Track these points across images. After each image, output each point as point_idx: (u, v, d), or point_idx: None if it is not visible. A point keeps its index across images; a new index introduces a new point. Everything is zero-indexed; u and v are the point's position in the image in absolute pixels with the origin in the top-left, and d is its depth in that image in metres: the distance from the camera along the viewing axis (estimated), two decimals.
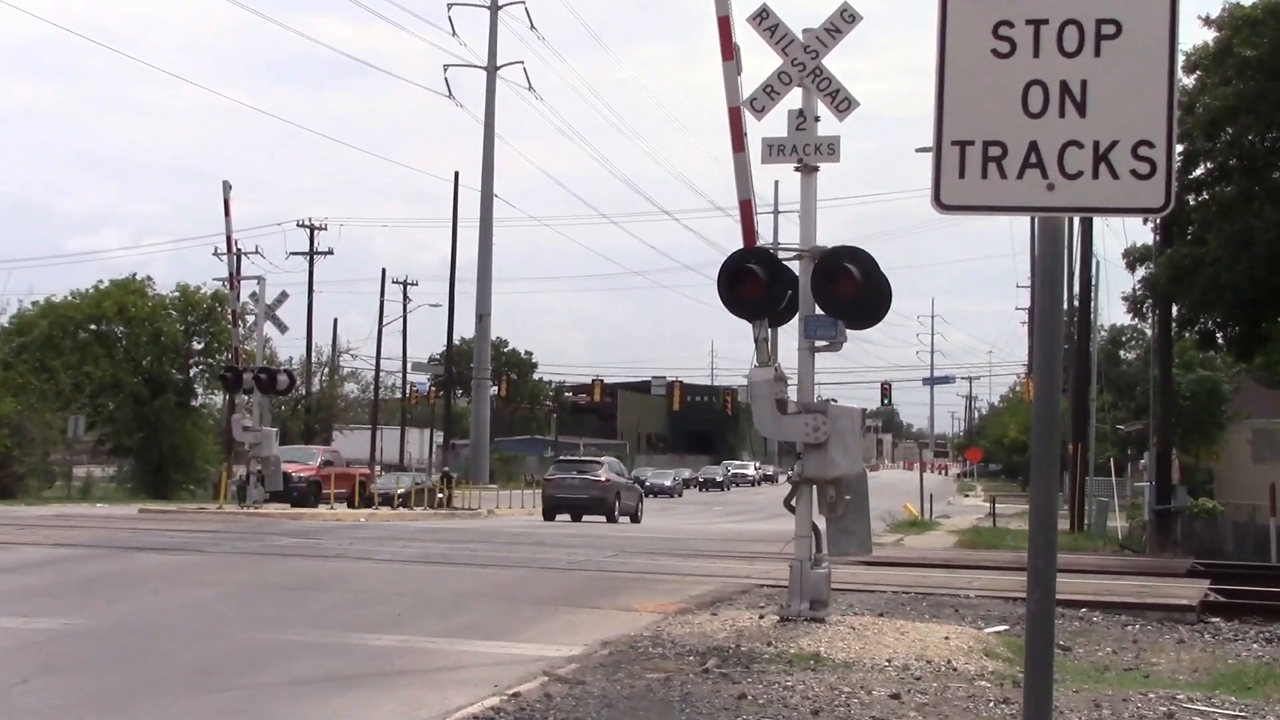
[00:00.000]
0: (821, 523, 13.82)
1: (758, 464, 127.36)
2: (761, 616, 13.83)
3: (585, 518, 44.87)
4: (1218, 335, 28.13)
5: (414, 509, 44.44)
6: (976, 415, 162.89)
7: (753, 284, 13.46)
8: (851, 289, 13.24)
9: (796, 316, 13.80)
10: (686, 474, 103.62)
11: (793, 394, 14.20)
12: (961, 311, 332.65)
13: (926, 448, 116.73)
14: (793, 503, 13.83)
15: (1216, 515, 35.30)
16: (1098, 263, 48.21)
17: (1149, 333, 68.11)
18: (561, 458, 60.94)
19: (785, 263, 13.84)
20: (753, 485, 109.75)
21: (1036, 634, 4.06)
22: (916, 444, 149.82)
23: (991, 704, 9.71)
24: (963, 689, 10.33)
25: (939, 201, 4.27)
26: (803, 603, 13.42)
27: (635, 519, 47.60)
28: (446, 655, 11.65)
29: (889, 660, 11.63)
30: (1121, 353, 68.10)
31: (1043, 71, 4.18)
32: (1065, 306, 64.29)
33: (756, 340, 13.80)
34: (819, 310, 13.45)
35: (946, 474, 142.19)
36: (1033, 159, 4.18)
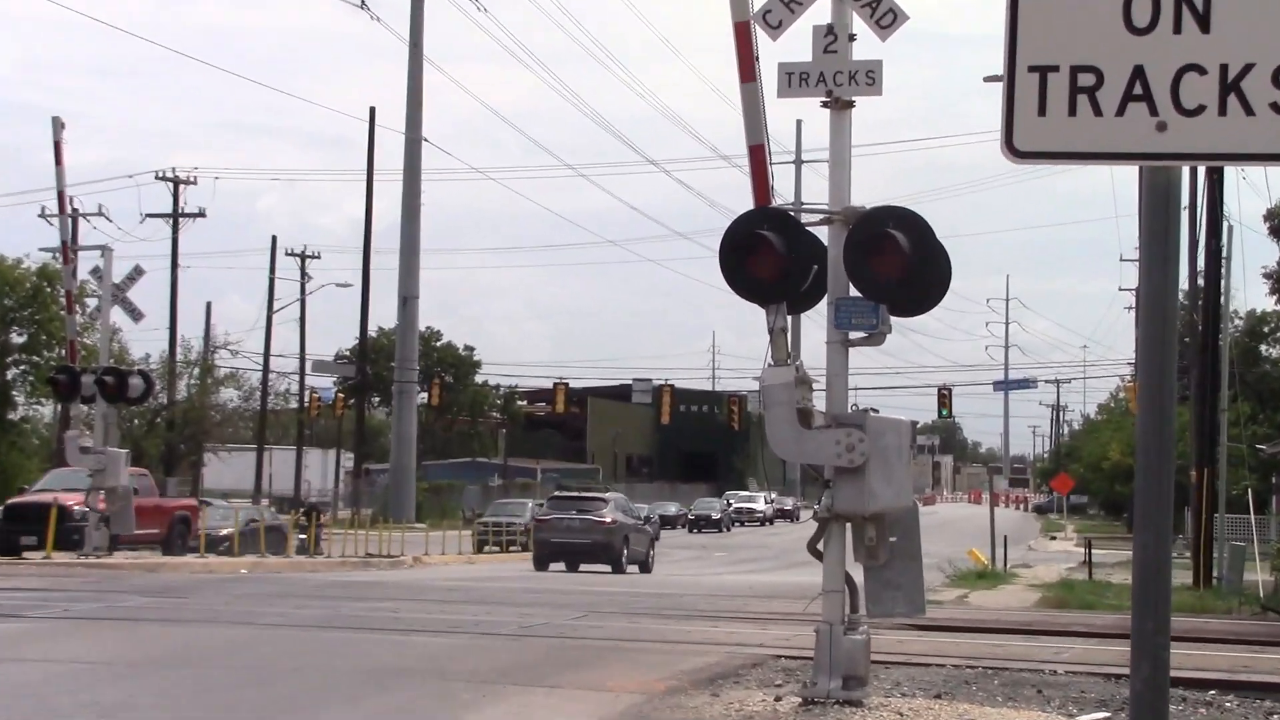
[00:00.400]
0: (859, 574, 13.85)
1: (772, 495, 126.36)
2: (778, 699, 13.87)
3: (584, 566, 47.17)
4: None
5: (246, 556, 42.86)
6: (1066, 431, 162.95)
7: (767, 257, 13.43)
8: (898, 264, 13.22)
9: (824, 300, 13.77)
10: (672, 509, 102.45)
11: (820, 403, 14.20)
12: (1047, 293, 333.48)
13: (999, 474, 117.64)
14: (820, 547, 13.85)
15: None
16: (1230, 228, 48.36)
17: None
18: (557, 494, 63.27)
19: (810, 229, 13.81)
20: (762, 524, 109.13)
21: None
22: (986, 469, 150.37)
23: None
24: None
25: (1012, 147, 4.26)
26: (833, 680, 13.43)
27: (646, 568, 49.62)
28: None
29: None
30: (1263, 347, 68.19)
31: None
32: (1185, 287, 64.46)
33: (771, 331, 13.76)
34: (854, 292, 13.45)
35: (1026, 509, 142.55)
36: (1137, 90, 4.16)
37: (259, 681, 15.36)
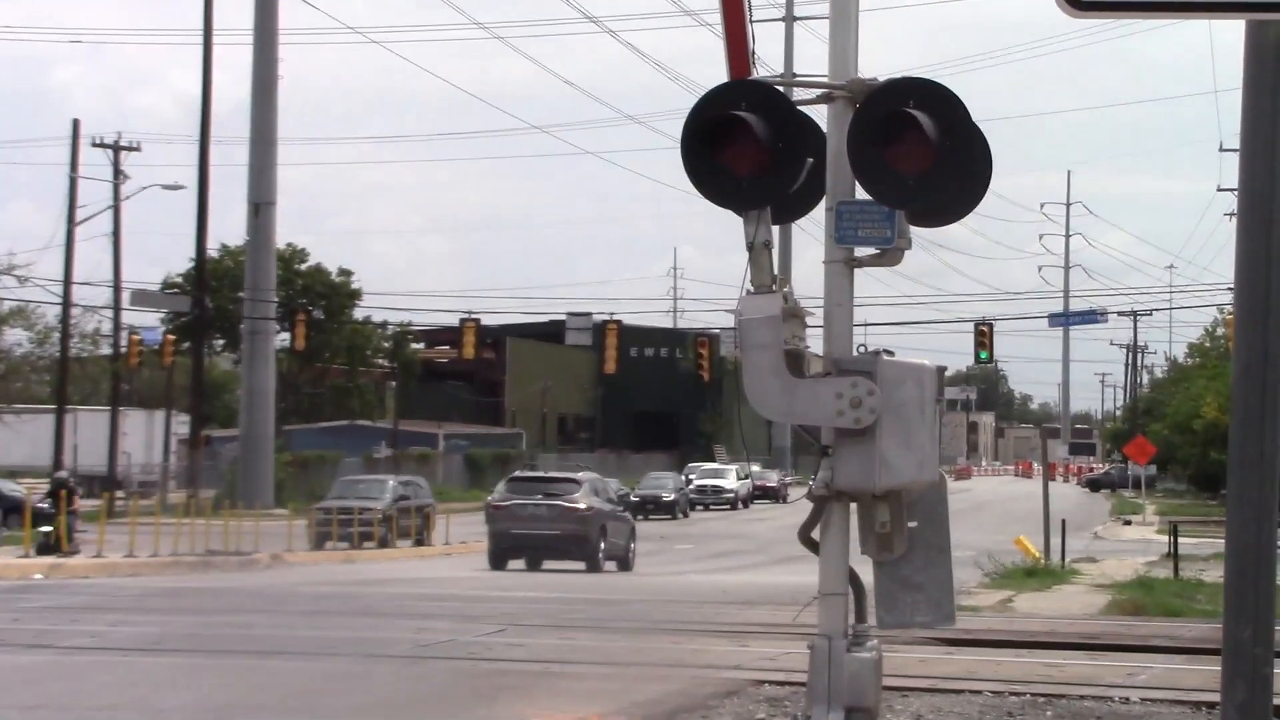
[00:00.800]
0: (867, 571, 13.89)
1: (750, 468, 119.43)
2: None
3: (549, 564, 49.22)
4: None
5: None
6: (1146, 381, 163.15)
7: (745, 146, 13.40)
8: (921, 155, 13.22)
9: (822, 205, 13.77)
10: (613, 487, 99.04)
11: (816, 344, 14.20)
12: (1122, 196, 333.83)
13: (1055, 437, 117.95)
14: (816, 536, 13.88)
15: None
16: None
17: None
18: (518, 474, 63.99)
19: (804, 108, 13.80)
20: (733, 507, 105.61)
21: None
22: (1039, 431, 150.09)
23: None
24: None
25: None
26: (832, 712, 13.52)
27: (626, 565, 51.16)
28: None
29: None
30: None
31: None
32: None
33: (751, 247, 13.75)
34: (863, 193, 13.47)
35: (1080, 480, 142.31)
36: None
37: None
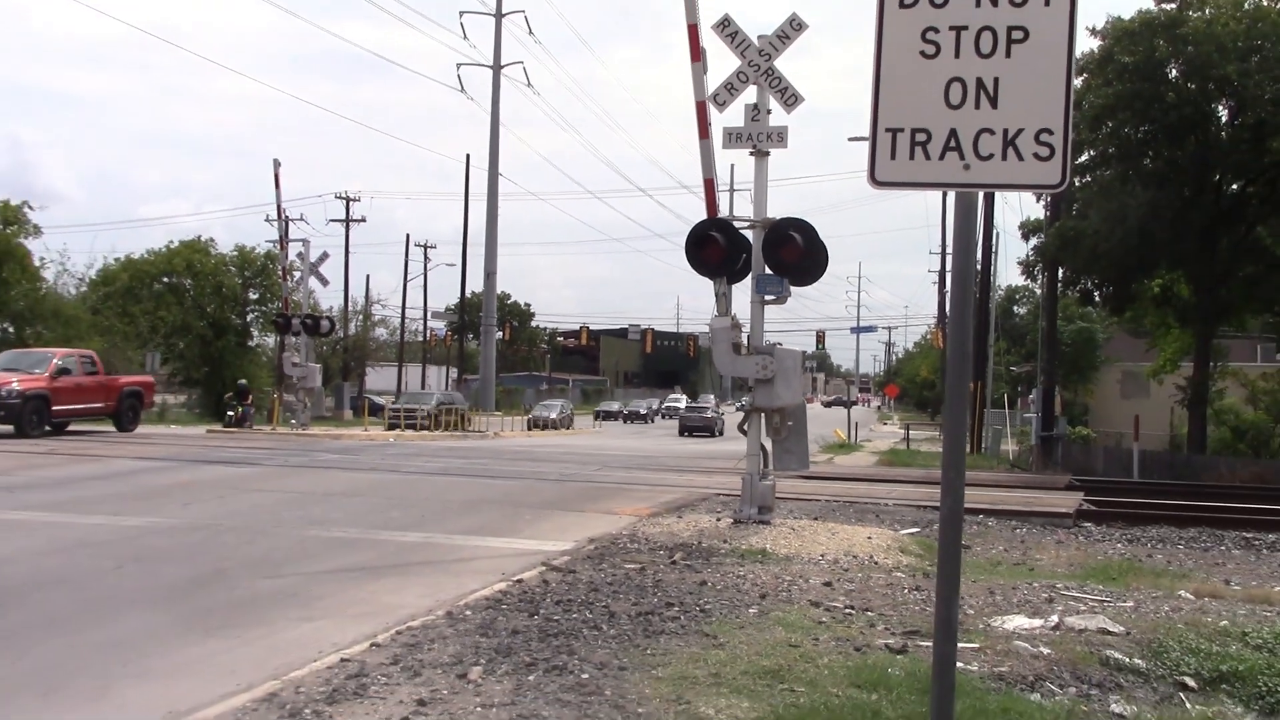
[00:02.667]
0: (769, 444, 13.88)
1: (709, 398, 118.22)
2: (719, 519, 13.92)
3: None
4: (1095, 294, 28.24)
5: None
6: (894, 358, 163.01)
7: (715, 248, 13.41)
8: (796, 253, 13.21)
9: (750, 275, 13.75)
10: (655, 403, 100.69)
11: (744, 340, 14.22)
12: (883, 273, 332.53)
13: (852, 384, 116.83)
14: (745, 427, 13.88)
15: (1090, 441, 35.61)
16: (997, 234, 48.36)
17: (1038, 291, 68.41)
18: (688, 404, 79.94)
19: (741, 231, 13.78)
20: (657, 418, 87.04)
21: (948, 534, 4.08)
22: (844, 381, 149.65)
23: (906, 590, 9.83)
24: (882, 578, 10.44)
25: (874, 178, 4.25)
26: (752, 508, 13.50)
27: (717, 435, 57.14)
28: (461, 549, 11.70)
29: (822, 555, 11.72)
30: (1015, 307, 68.23)
31: (962, 70, 4.14)
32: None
33: (717, 295, 13.76)
34: (769, 270, 13.43)
35: (869, 406, 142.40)
36: (952, 143, 4.15)
37: (405, 505, 15.40)
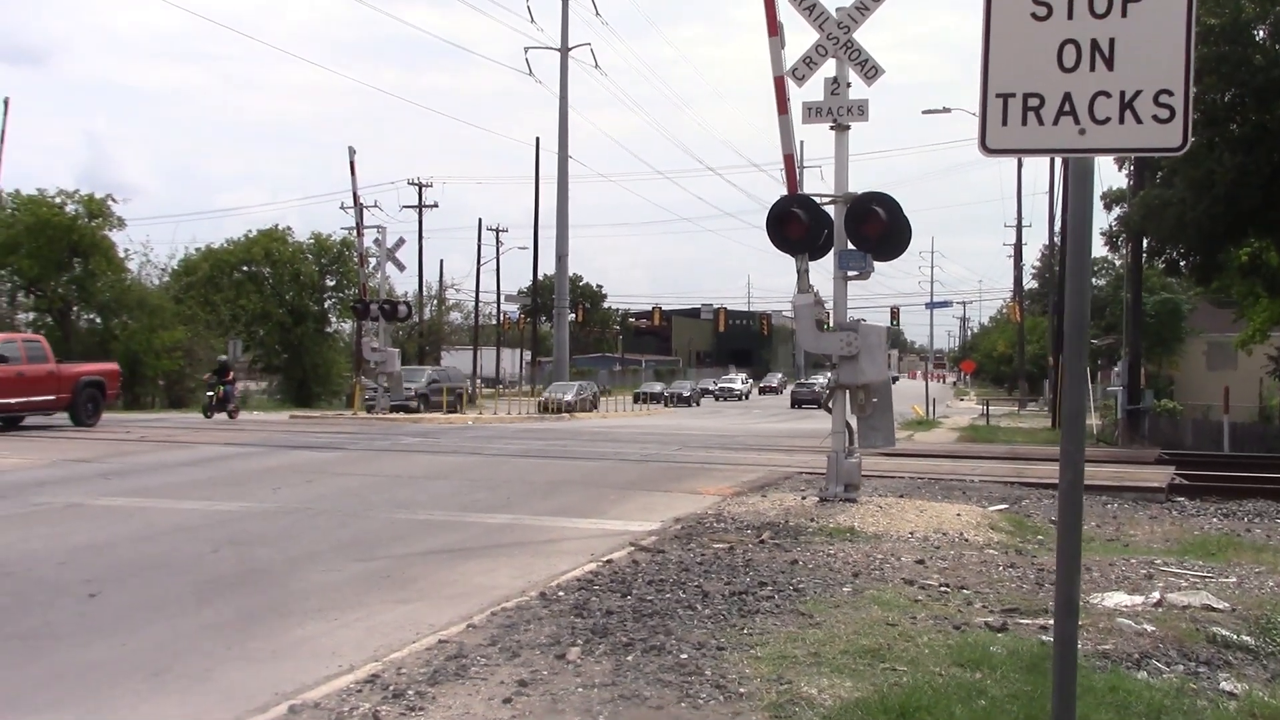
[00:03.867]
0: (854, 421, 13.73)
1: (778, 377, 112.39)
2: (804, 498, 13.82)
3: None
4: (1181, 264, 27.56)
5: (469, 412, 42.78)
6: (969, 334, 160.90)
7: (797, 225, 13.26)
8: (879, 228, 13.02)
9: (832, 251, 13.58)
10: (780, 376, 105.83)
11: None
12: (956, 247, 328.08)
13: (927, 360, 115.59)
14: (829, 405, 13.75)
15: (1177, 414, 34.88)
16: None
17: (1117, 263, 66.92)
18: (800, 381, 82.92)
19: (823, 206, 13.60)
20: (740, 399, 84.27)
21: (1068, 509, 3.97)
22: (919, 357, 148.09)
23: (1000, 567, 9.68)
24: (975, 556, 10.29)
25: (985, 146, 4.12)
26: (838, 486, 13.38)
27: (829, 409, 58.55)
28: (549, 530, 11.73)
29: (911, 533, 11.59)
30: (1093, 280, 67.07)
31: (1076, 31, 4.01)
32: (1048, 242, 62.99)
33: (799, 271, 13.59)
34: (851, 246, 13.26)
35: (944, 382, 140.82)
36: (1066, 108, 4.02)
37: (489, 487, 15.49)
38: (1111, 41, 3.97)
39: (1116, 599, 8.65)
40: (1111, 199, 30.87)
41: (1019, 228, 68.13)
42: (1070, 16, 4.00)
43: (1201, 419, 32.89)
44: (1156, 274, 37.25)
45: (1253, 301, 32.77)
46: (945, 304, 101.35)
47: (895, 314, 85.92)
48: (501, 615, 7.63)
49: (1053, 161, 54.88)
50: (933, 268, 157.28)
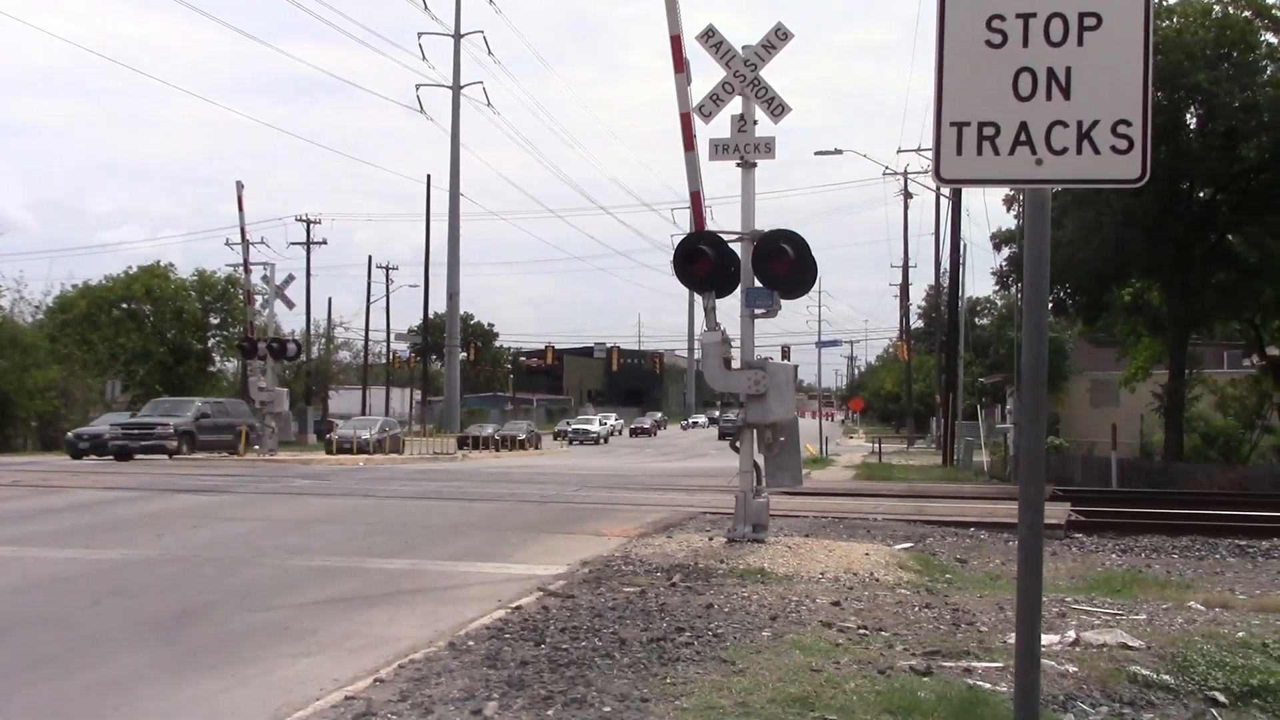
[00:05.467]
0: (761, 460, 13.60)
1: (660, 416, 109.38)
2: (711, 538, 13.63)
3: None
4: (1069, 303, 28.24)
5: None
6: (856, 372, 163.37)
7: (704, 261, 13.15)
8: (786, 266, 12.97)
9: (738, 289, 13.48)
10: (659, 417, 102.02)
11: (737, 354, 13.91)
12: (843, 287, 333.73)
13: (814, 399, 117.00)
14: (737, 444, 13.60)
15: (1064, 450, 35.62)
16: (965, 245, 48.54)
17: (999, 303, 68.64)
18: (725, 416, 74.49)
19: (731, 244, 13.51)
20: (596, 443, 75.05)
21: (1029, 552, 3.81)
22: (807, 395, 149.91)
23: (916, 608, 9.58)
24: (889, 596, 10.19)
25: (939, 175, 4.00)
26: (747, 526, 13.23)
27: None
28: (452, 575, 11.34)
29: (822, 573, 11.46)
30: (976, 319, 68.57)
31: (1031, 59, 3.91)
32: (934, 282, 64.27)
33: (706, 309, 13.49)
34: (758, 283, 13.18)
35: (833, 420, 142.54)
36: (1023, 137, 3.92)
37: (387, 531, 15.02)
38: (1068, 70, 3.87)
39: None
40: (1001, 239, 31.58)
41: (905, 268, 69.65)
42: (1025, 45, 3.89)
43: (1088, 455, 33.63)
44: (1047, 312, 38.07)
45: (1135, 340, 33.70)
46: (834, 343, 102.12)
47: (786, 352, 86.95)
48: (410, 668, 7.26)
49: (938, 201, 56.12)
50: (820, 307, 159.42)
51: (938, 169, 3.98)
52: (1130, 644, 8.41)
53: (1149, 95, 3.83)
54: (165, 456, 32.63)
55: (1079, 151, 3.86)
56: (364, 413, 67.77)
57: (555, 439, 74.24)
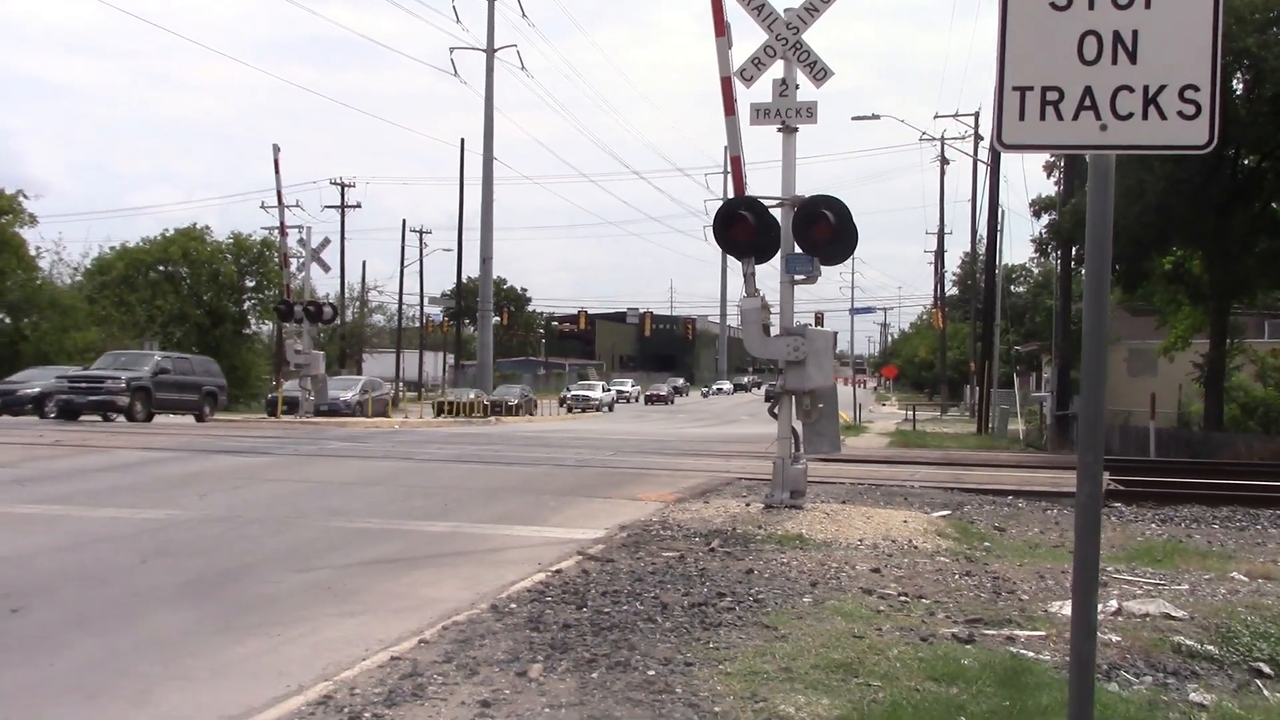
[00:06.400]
0: (799, 426, 13.57)
1: (681, 383, 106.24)
2: (748, 504, 13.64)
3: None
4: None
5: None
6: (889, 340, 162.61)
7: (744, 227, 13.08)
8: (827, 231, 12.88)
9: (778, 255, 13.41)
10: (679, 383, 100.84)
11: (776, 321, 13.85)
12: (876, 254, 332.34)
13: (848, 365, 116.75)
14: (775, 410, 13.57)
15: None
16: (1003, 212, 48.08)
17: (1035, 271, 68.07)
18: (769, 382, 69.84)
19: (771, 210, 13.43)
20: (599, 410, 69.51)
21: (1086, 523, 3.78)
22: (839, 362, 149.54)
23: (956, 576, 9.56)
24: (928, 564, 10.17)
25: (1001, 141, 3.94)
26: (784, 492, 13.21)
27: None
28: (492, 539, 11.41)
29: (861, 540, 11.45)
30: (1012, 287, 68.03)
31: (1097, 22, 3.84)
32: (970, 249, 63.74)
33: (745, 275, 13.41)
34: (798, 249, 13.10)
35: (866, 387, 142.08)
36: (1087, 102, 3.85)
37: (425, 493, 15.12)
38: (1134, 33, 3.80)
39: None
40: (1041, 206, 31.25)
41: (940, 235, 69.13)
42: (1091, 7, 3.82)
43: (1125, 424, 33.38)
44: (1077, 282, 37.72)
45: (1175, 309, 33.36)
46: (868, 310, 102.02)
47: (820, 319, 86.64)
48: (454, 629, 7.32)
49: (975, 169, 55.52)
50: (853, 274, 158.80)
51: (999, 134, 3.92)
52: (1173, 614, 8.36)
53: (1218, 59, 3.76)
54: (120, 416, 30.51)
55: (1145, 117, 3.79)
56: (398, 376, 68.10)
57: (561, 405, 69.22)
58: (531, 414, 55.29)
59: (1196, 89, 3.76)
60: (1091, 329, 3.85)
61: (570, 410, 66.71)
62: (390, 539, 11.24)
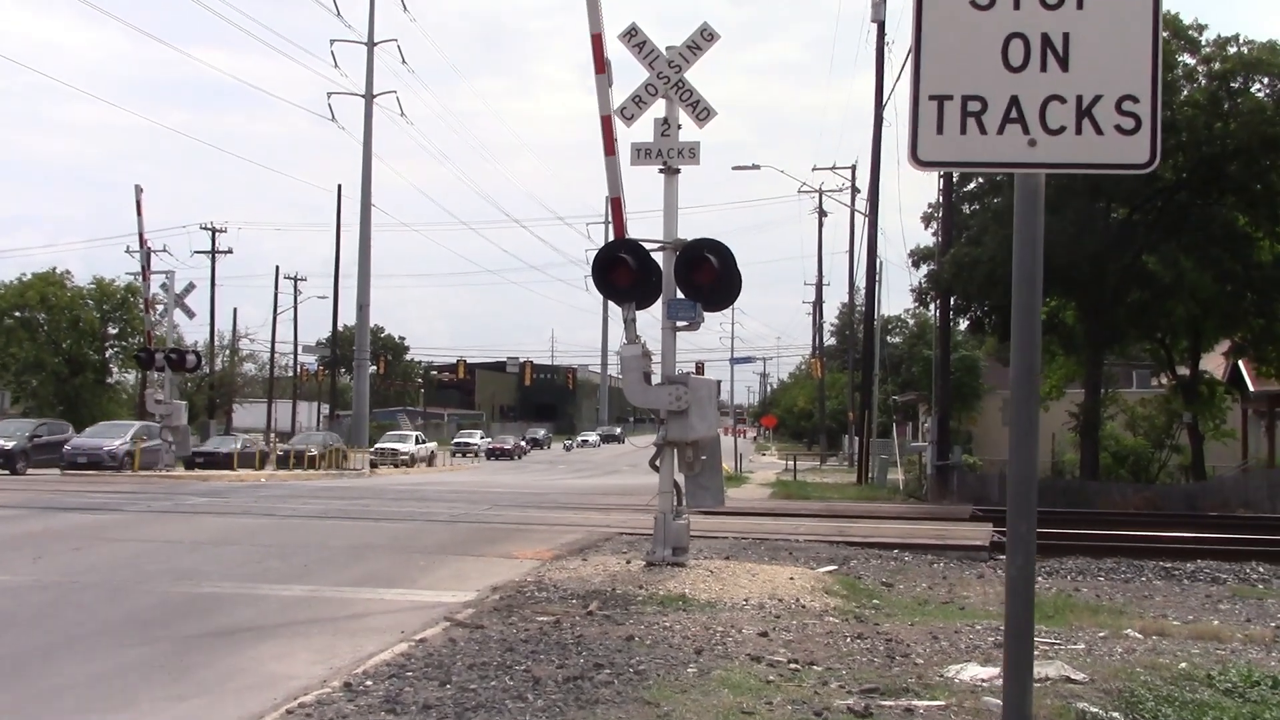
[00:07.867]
0: (681, 479, 13.02)
1: (543, 434, 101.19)
2: (629, 561, 13.01)
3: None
4: (986, 322, 28.19)
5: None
6: (769, 389, 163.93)
7: (624, 271, 12.53)
8: (711, 275, 12.42)
9: (659, 300, 12.90)
10: (540, 434, 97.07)
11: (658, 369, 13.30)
12: (756, 304, 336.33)
13: (728, 415, 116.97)
14: (657, 463, 12.98)
15: (978, 469, 35.67)
16: (881, 263, 48.53)
17: (910, 322, 69.18)
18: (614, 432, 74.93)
19: (652, 253, 12.91)
20: (411, 465, 56.13)
21: (1018, 600, 3.25)
22: (721, 412, 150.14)
23: (847, 639, 9.05)
24: (818, 625, 9.66)
25: (916, 158, 3.45)
26: (666, 549, 12.62)
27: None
28: (353, 604, 10.58)
29: (746, 599, 10.91)
30: (889, 337, 68.94)
31: (1023, 23, 3.39)
32: (847, 300, 64.46)
33: (626, 321, 12.87)
34: (680, 295, 12.61)
35: (746, 437, 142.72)
36: (1014, 114, 3.40)
37: (282, 554, 14.13)
38: (1065, 37, 3.34)
39: (972, 671, 8.12)
40: (919, 256, 31.49)
41: (819, 285, 69.85)
42: (1017, 7, 3.36)
43: (1001, 474, 33.64)
44: (956, 332, 38.16)
45: (1049, 359, 33.82)
46: (748, 359, 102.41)
47: (700, 368, 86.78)
48: (299, 713, 6.52)
49: (853, 219, 56.20)
50: (734, 323, 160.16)
51: (914, 150, 3.42)
52: (1073, 677, 7.96)
53: (1159, 68, 3.31)
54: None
55: (1079, 131, 3.33)
56: (269, 427, 66.04)
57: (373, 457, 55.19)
58: (430, 464, 52.28)
59: (1135, 100, 3.31)
60: (1021, 372, 3.35)
61: (374, 466, 52.06)
62: (239, 605, 10.34)
